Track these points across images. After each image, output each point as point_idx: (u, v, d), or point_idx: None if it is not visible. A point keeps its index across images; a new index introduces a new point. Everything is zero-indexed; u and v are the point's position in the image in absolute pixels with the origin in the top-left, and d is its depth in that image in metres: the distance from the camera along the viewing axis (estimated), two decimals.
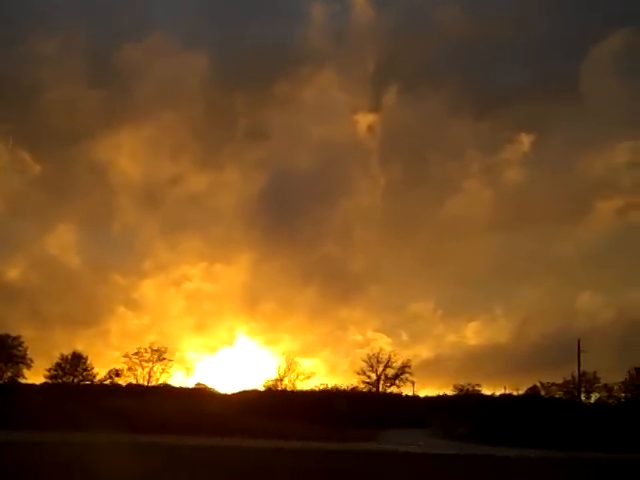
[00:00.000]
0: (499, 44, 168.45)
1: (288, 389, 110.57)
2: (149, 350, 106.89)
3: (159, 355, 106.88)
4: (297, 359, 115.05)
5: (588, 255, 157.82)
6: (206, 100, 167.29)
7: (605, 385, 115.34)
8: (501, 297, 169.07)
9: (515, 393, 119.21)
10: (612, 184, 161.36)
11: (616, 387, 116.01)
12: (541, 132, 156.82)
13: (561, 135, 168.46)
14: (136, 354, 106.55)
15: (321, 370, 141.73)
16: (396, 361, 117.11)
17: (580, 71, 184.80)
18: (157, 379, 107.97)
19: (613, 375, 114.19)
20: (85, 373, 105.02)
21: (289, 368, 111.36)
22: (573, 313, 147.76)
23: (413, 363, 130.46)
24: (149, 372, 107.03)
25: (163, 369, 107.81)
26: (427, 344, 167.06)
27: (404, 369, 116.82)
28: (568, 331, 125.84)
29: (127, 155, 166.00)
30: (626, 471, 51.51)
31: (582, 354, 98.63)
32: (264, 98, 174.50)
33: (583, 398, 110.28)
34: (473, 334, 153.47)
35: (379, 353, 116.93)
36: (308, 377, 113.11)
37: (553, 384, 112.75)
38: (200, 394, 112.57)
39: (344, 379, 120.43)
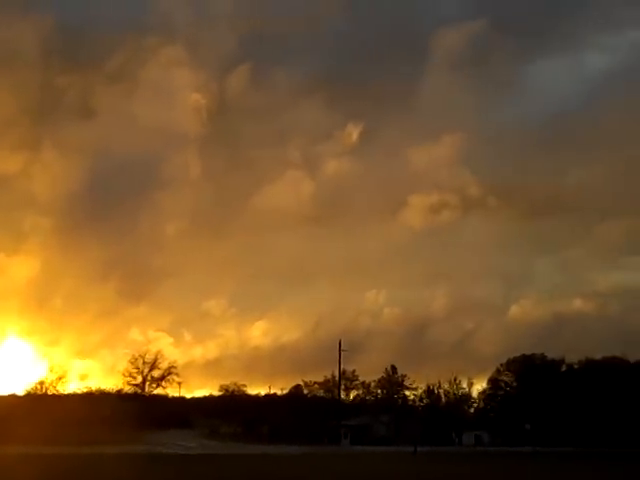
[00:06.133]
0: (337, 34, 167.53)
1: (50, 393, 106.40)
2: None
3: None
4: (73, 360, 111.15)
5: (390, 252, 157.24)
6: (29, 70, 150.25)
7: (363, 382, 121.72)
8: (296, 295, 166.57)
9: (280, 392, 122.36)
10: (430, 180, 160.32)
11: (373, 384, 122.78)
12: (369, 124, 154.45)
13: (389, 128, 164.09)
14: None
15: (98, 372, 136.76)
16: (163, 362, 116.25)
17: (413, 66, 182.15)
18: None
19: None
20: None
21: (52, 370, 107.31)
22: (360, 312, 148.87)
23: (195, 363, 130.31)
24: None
25: None
26: (209, 344, 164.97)
27: (170, 370, 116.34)
28: (351, 330, 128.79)
29: None
30: (380, 461, 54.94)
31: (348, 353, 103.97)
32: (98, 73, 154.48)
33: (343, 395, 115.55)
34: (258, 333, 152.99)
35: (145, 354, 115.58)
36: (81, 379, 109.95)
37: (315, 383, 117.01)
38: None
39: (120, 380, 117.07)
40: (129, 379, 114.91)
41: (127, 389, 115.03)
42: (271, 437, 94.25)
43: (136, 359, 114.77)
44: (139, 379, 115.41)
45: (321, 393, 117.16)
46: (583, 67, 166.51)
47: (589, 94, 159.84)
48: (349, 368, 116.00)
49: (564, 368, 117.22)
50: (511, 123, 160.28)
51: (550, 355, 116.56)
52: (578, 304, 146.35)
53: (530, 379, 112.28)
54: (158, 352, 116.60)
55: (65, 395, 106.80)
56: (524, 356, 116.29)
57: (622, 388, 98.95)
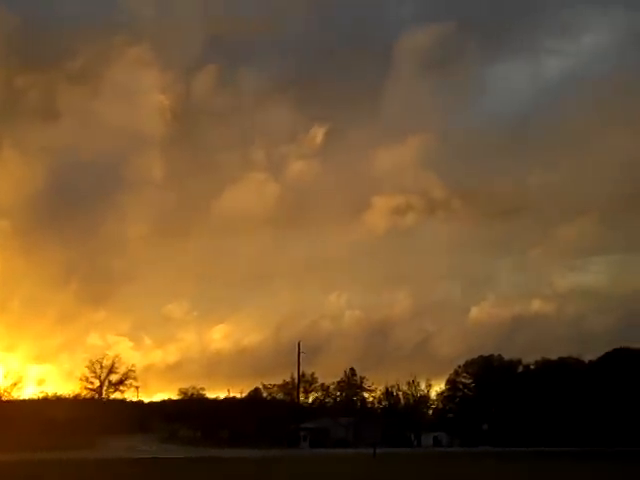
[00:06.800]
0: (303, 37, 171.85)
1: (4, 399, 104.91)
2: None
3: None
4: (31, 366, 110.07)
5: (354, 255, 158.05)
6: None
7: (322, 385, 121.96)
8: (258, 298, 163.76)
9: (239, 396, 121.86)
10: (394, 182, 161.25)
11: (332, 387, 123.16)
12: (334, 126, 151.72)
13: (354, 130, 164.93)
14: None
15: (56, 377, 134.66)
16: (120, 366, 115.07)
17: (378, 68, 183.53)
18: None
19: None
20: None
21: (7, 376, 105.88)
22: (322, 314, 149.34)
23: (155, 367, 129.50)
24: None
25: None
26: (170, 347, 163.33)
27: (128, 374, 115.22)
28: (312, 332, 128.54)
29: None
30: (339, 463, 55.10)
31: (308, 356, 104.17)
32: (61, 72, 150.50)
33: (302, 398, 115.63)
34: (219, 336, 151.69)
35: (103, 358, 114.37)
36: (39, 384, 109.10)
37: (275, 385, 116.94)
38: None
39: (77, 386, 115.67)
40: (86, 384, 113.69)
41: (84, 394, 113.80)
42: (231, 441, 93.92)
43: (93, 364, 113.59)
44: (96, 384, 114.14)
45: (280, 396, 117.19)
46: (545, 71, 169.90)
47: (550, 98, 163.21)
48: (309, 371, 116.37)
49: (521, 369, 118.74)
50: (475, 125, 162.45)
51: (508, 356, 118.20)
52: (537, 305, 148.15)
53: (487, 380, 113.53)
54: (116, 356, 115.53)
55: (20, 401, 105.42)
56: (482, 357, 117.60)
57: (577, 388, 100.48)
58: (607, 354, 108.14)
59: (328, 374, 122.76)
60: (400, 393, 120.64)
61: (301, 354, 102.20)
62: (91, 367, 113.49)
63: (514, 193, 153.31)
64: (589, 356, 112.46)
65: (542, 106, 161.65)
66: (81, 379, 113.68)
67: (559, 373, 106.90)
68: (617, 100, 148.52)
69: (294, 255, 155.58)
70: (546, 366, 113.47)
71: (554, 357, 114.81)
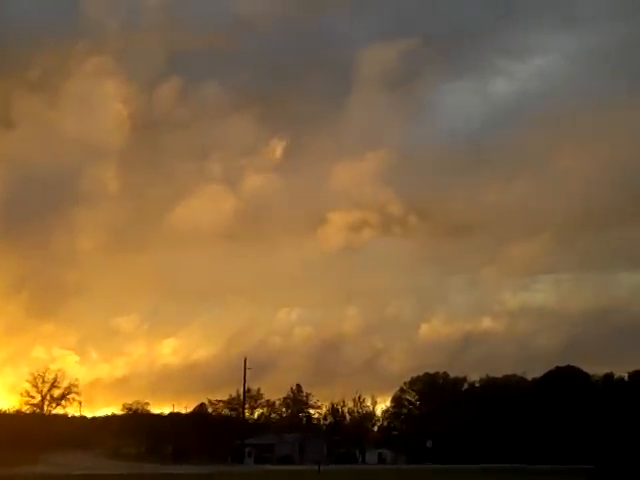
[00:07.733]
0: (265, 51, 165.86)
1: None
2: None
3: None
4: None
5: (307, 270, 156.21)
6: None
7: (268, 401, 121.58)
8: (209, 312, 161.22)
9: (184, 411, 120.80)
10: (351, 197, 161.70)
11: (278, 403, 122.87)
12: (293, 140, 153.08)
13: (313, 145, 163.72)
14: None
15: None
16: (63, 381, 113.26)
17: (339, 84, 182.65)
18: None
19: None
20: None
21: None
22: (271, 330, 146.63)
23: (102, 382, 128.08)
24: None
25: None
26: (117, 362, 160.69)
27: (71, 389, 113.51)
28: (261, 348, 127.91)
29: None
30: None
31: (254, 371, 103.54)
32: (18, 80, 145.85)
33: (248, 414, 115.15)
34: (168, 351, 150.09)
35: (45, 373, 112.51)
36: None
37: (220, 401, 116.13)
38: None
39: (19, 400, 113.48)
40: (27, 399, 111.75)
41: (25, 409, 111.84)
42: (175, 457, 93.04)
43: (35, 378, 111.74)
44: (38, 398, 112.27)
45: (226, 412, 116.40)
46: (501, 91, 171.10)
47: (506, 117, 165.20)
48: (255, 387, 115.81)
49: (466, 386, 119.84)
50: (432, 143, 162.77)
51: (455, 373, 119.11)
52: (487, 323, 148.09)
53: (433, 397, 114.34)
54: (58, 371, 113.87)
55: None
56: (427, 375, 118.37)
57: (519, 406, 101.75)
58: (549, 372, 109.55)
59: (275, 390, 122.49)
60: (346, 410, 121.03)
61: (247, 369, 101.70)
62: (33, 381, 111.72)
63: (468, 210, 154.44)
64: (534, 374, 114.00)
65: (498, 125, 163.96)
66: (22, 394, 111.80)
67: (503, 391, 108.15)
68: (570, 120, 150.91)
69: (247, 270, 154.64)
70: (490, 384, 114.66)
71: (499, 375, 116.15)
